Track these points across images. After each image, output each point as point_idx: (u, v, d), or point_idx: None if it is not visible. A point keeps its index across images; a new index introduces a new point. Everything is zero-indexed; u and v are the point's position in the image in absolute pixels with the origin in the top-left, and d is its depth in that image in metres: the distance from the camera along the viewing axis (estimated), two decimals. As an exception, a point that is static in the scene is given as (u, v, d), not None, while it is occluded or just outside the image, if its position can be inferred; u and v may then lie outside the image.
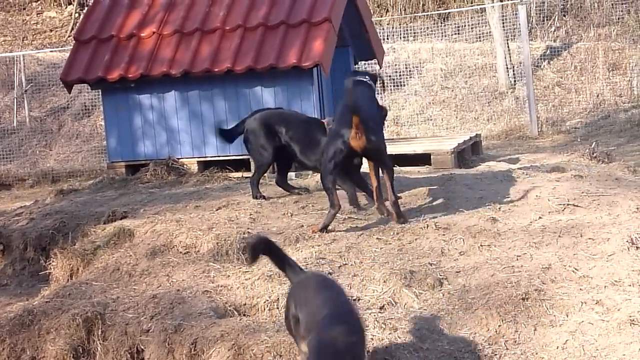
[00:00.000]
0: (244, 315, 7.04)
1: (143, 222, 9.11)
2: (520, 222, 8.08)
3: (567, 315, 6.42)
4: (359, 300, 6.90)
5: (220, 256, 8.01)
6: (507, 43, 22.25)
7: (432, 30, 24.55)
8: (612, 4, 24.52)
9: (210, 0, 13.38)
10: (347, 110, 8.27)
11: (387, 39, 23.75)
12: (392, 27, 25.13)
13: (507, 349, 6.16)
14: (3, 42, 28.73)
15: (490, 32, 22.68)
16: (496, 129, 20.04)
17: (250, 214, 9.07)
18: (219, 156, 12.66)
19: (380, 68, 17.16)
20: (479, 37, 23.48)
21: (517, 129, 19.78)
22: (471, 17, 24.02)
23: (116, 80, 12.81)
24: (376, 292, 6.99)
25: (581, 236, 7.61)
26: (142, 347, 6.94)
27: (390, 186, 8.35)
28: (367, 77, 9.02)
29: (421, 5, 28.17)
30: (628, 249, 7.27)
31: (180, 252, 8.33)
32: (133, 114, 13.02)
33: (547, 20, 25.14)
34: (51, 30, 29.42)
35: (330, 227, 8.30)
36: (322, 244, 7.90)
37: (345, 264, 7.49)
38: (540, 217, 8.19)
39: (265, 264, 7.65)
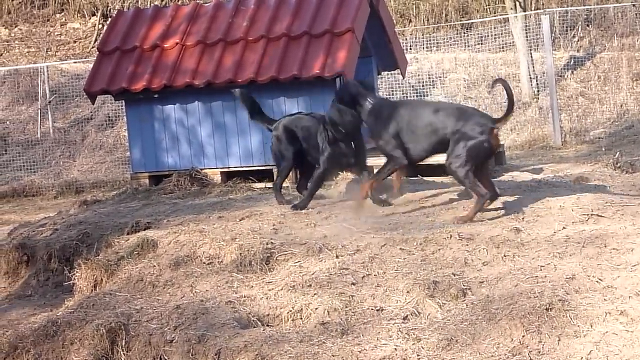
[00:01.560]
0: (268, 325, 7.03)
1: (166, 232, 9.12)
2: (544, 232, 8.05)
3: (591, 326, 6.39)
4: (382, 310, 6.89)
5: (243, 267, 8.00)
6: (531, 53, 22.21)
7: (455, 40, 24.54)
8: (636, 14, 24.45)
9: (234, 11, 13.41)
10: (476, 111, 8.83)
11: (410, 49, 23.75)
12: (415, 37, 25.13)
13: (531, 359, 6.14)
14: (27, 54, 28.88)
15: (513, 42, 22.64)
16: (519, 139, 19.97)
17: (274, 225, 9.07)
18: (242, 167, 12.69)
19: (404, 78, 17.15)
20: (502, 47, 23.45)
21: (540, 139, 19.70)
22: (494, 27, 23.97)
23: (140, 91, 12.86)
24: (399, 302, 6.98)
25: (605, 246, 7.58)
26: (166, 357, 6.94)
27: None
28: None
29: (444, 15, 28.18)
30: (653, 259, 7.23)
31: (204, 263, 8.33)
32: (156, 125, 13.06)
33: (570, 30, 25.08)
34: (75, 42, 29.55)
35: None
36: (345, 255, 7.89)
37: (369, 274, 7.47)
38: (564, 227, 8.15)
39: (288, 274, 7.66)
